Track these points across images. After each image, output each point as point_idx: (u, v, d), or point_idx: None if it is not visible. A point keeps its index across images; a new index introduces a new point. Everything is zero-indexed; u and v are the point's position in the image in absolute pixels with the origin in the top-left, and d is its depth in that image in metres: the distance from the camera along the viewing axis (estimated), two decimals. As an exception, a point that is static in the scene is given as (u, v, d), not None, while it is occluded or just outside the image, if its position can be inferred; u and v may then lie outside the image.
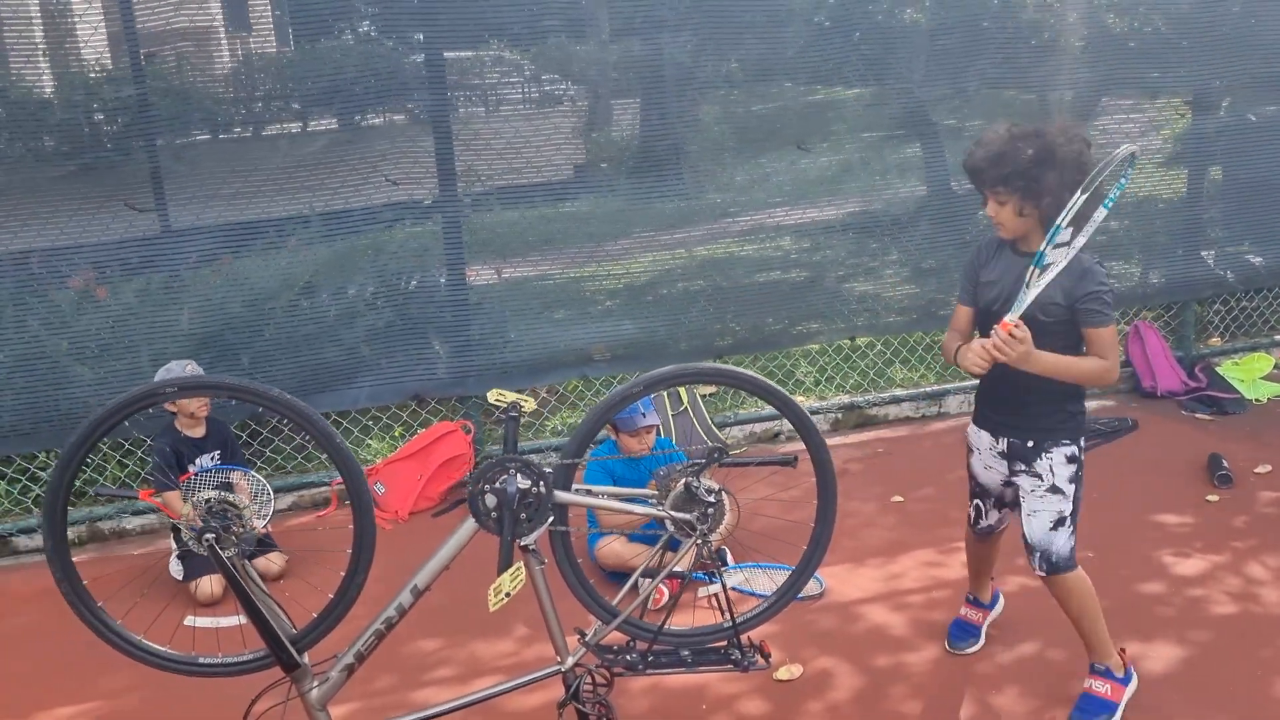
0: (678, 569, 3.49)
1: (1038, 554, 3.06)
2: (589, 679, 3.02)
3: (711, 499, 2.89)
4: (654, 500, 2.97)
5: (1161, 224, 6.25)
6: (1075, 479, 3.06)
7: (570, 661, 2.98)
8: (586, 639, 2.99)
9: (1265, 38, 6.01)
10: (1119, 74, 6.03)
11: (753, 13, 5.43)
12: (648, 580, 3.13)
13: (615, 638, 3.06)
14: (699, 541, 2.91)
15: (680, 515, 2.90)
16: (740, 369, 3.01)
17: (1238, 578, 3.89)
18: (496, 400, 2.99)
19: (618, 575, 4.03)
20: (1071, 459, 3.05)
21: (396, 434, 5.44)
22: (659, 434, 4.20)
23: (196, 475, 4.19)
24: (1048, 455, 3.03)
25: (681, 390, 5.48)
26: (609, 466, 4.15)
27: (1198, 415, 5.62)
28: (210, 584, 4.14)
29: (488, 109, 5.61)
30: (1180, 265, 6.15)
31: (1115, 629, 3.51)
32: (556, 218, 5.46)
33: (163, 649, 2.86)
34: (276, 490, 5.03)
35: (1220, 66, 5.96)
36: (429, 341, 5.12)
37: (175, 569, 4.33)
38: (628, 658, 3.01)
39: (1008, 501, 3.26)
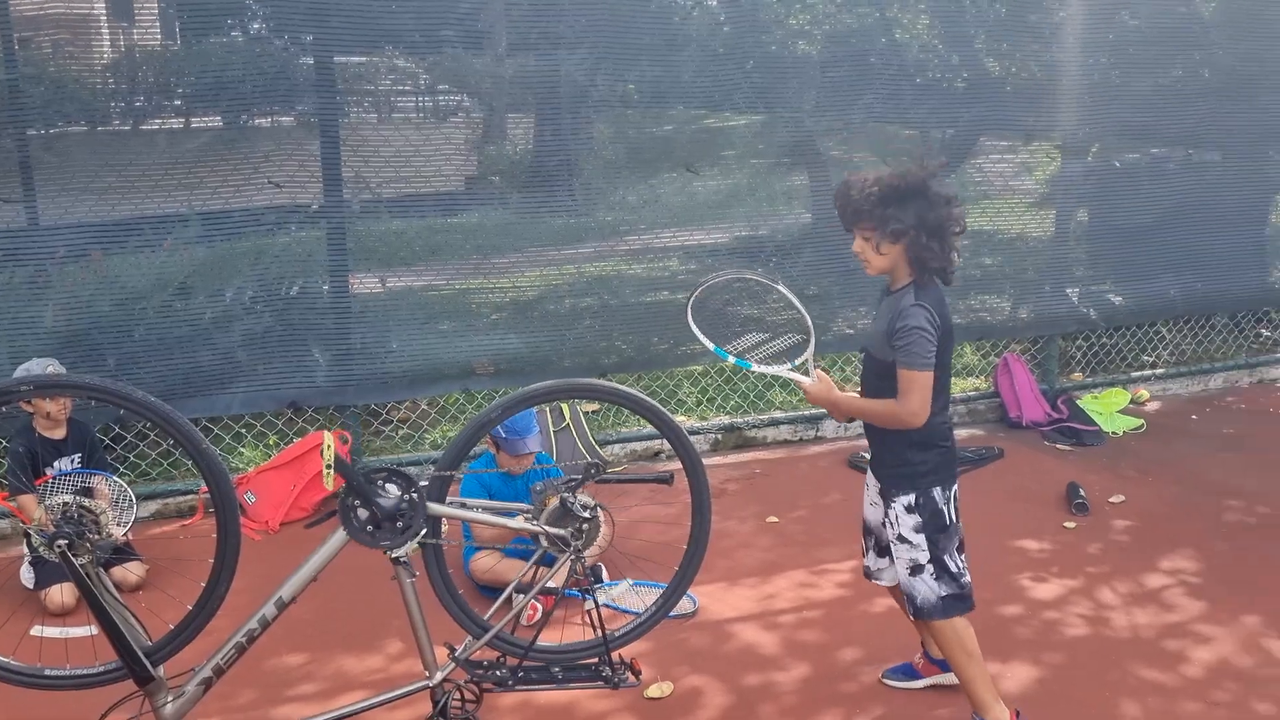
0: (551, 585, 3.49)
1: (905, 596, 3.11)
2: (457, 695, 2.99)
3: (586, 515, 2.89)
4: (529, 515, 2.96)
5: (1031, 261, 6.52)
6: (924, 528, 3.01)
7: (439, 677, 2.95)
8: (456, 654, 2.96)
9: (1130, 89, 6.33)
10: (996, 115, 6.27)
11: (649, 35, 5.49)
12: (521, 595, 3.11)
13: (486, 653, 3.04)
14: (573, 557, 2.90)
15: (555, 530, 2.89)
16: (619, 385, 3.03)
17: (1090, 602, 4.05)
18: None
19: (492, 590, 3.99)
20: (910, 509, 3.01)
21: (270, 443, 5.31)
22: (540, 447, 4.19)
23: (54, 479, 4.02)
24: (892, 506, 3.06)
25: (564, 407, 5.48)
26: (485, 480, 4.12)
27: (1059, 446, 5.85)
28: (61, 593, 3.96)
29: (380, 116, 5.54)
30: (1047, 301, 6.42)
31: (975, 650, 3.65)
32: (445, 229, 5.42)
33: (5, 660, 2.73)
34: (140, 497, 4.85)
35: (1089, 114, 6.24)
36: (308, 349, 5.01)
37: (26, 576, 4.14)
38: (497, 673, 2.99)
39: (885, 548, 3.19)
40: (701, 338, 3.07)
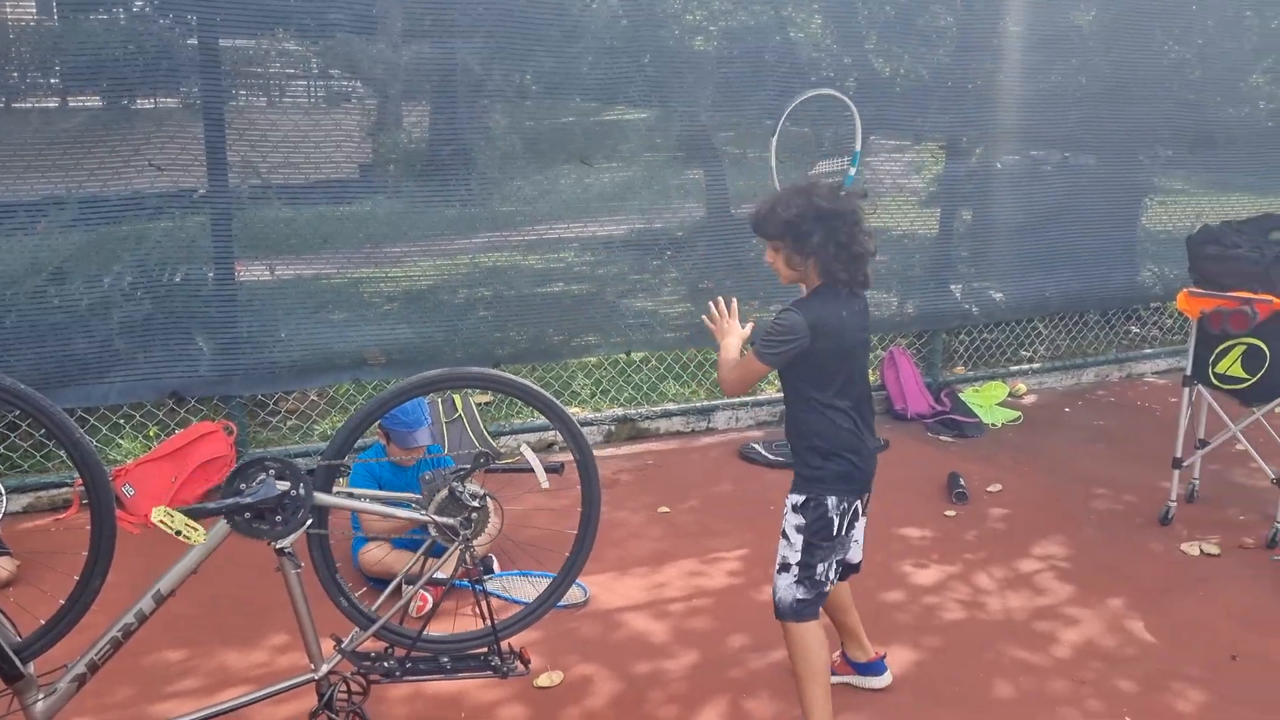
0: (440, 575, 3.48)
1: (772, 591, 3.09)
2: (344, 687, 2.96)
3: (475, 504, 2.89)
4: (418, 505, 2.94)
5: (918, 259, 6.70)
6: (803, 530, 3.00)
7: (324, 669, 2.91)
8: (343, 645, 2.93)
9: (1013, 91, 6.54)
10: (886, 114, 6.41)
11: (547, 26, 5.47)
12: (410, 586, 3.09)
13: (374, 644, 3.01)
14: (462, 546, 2.90)
15: (444, 520, 2.88)
16: (510, 375, 3.02)
17: (968, 587, 4.20)
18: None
19: (380, 581, 3.95)
20: (796, 509, 3.02)
21: (151, 434, 5.15)
22: (431, 440, 4.16)
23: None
24: (787, 500, 3.07)
25: (456, 398, 5.45)
26: (375, 471, 4.07)
27: (941, 437, 6.04)
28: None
29: (269, 101, 5.41)
30: (932, 297, 6.61)
31: (857, 634, 3.75)
32: (337, 217, 5.31)
33: None
34: (10, 490, 4.69)
35: (973, 115, 6.44)
36: (191, 337, 4.87)
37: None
38: (385, 664, 2.96)
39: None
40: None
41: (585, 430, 5.77)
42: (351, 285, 5.40)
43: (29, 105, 4.74)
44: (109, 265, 4.65)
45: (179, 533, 2.63)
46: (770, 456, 5.56)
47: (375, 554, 4.02)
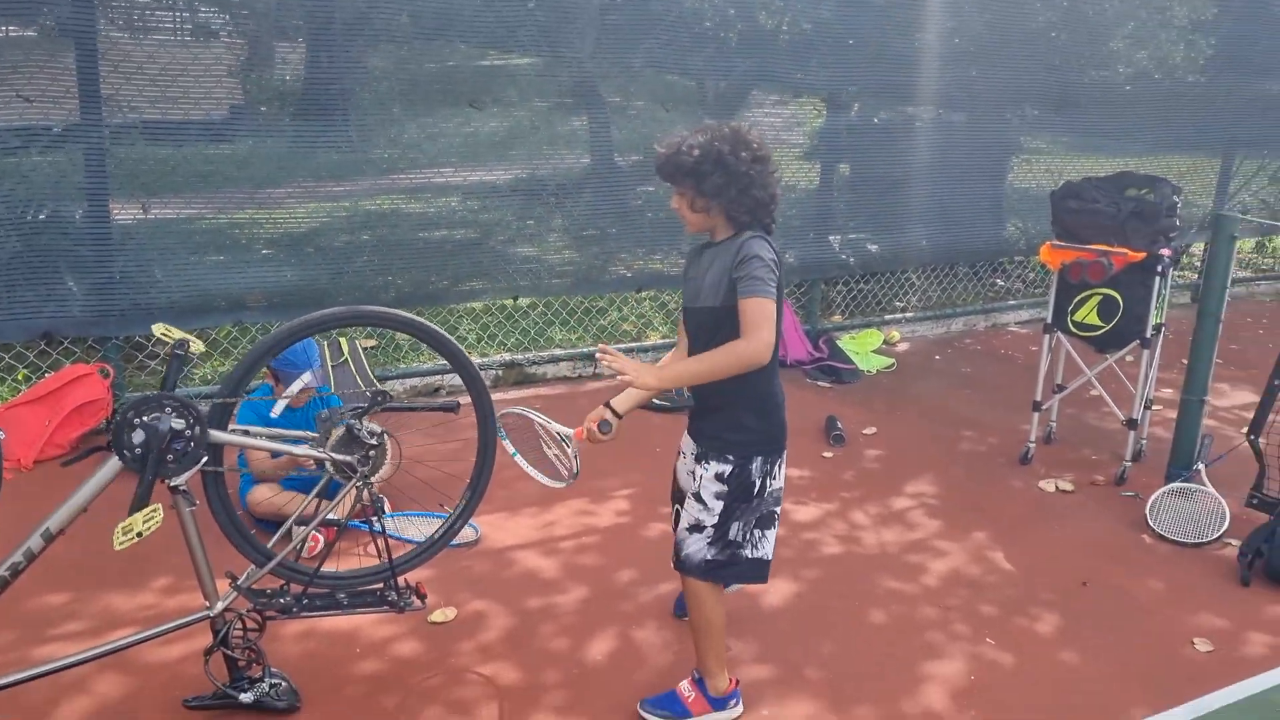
0: (334, 515, 3.50)
1: (674, 545, 3.04)
2: (239, 624, 2.96)
3: (374, 441, 2.91)
4: (314, 443, 2.95)
5: (798, 211, 6.87)
6: (724, 497, 2.90)
7: (220, 606, 2.91)
8: (238, 582, 2.93)
9: (892, 48, 6.73)
10: (769, 68, 6.53)
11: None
12: (303, 527, 3.10)
13: (268, 582, 3.02)
14: (359, 484, 2.92)
15: (341, 457, 2.90)
16: (403, 313, 3.01)
17: (844, 523, 4.40)
18: (163, 335, 2.83)
19: (269, 523, 3.94)
20: (720, 478, 2.89)
21: (20, 376, 4.98)
22: (316, 381, 4.14)
23: None
24: (704, 466, 2.93)
25: (343, 341, 5.41)
26: (262, 411, 4.03)
27: (820, 383, 6.26)
28: None
29: (141, 32, 5.20)
30: (812, 248, 6.80)
31: (741, 568, 3.91)
32: (215, 157, 5.18)
33: None
34: None
35: (853, 71, 6.61)
36: (62, 277, 4.71)
37: None
38: (281, 600, 2.98)
39: None
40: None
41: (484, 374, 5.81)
42: (231, 227, 5.28)
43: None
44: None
45: (140, 534, 2.61)
46: (656, 401, 5.67)
47: (264, 493, 4.00)
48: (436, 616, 3.54)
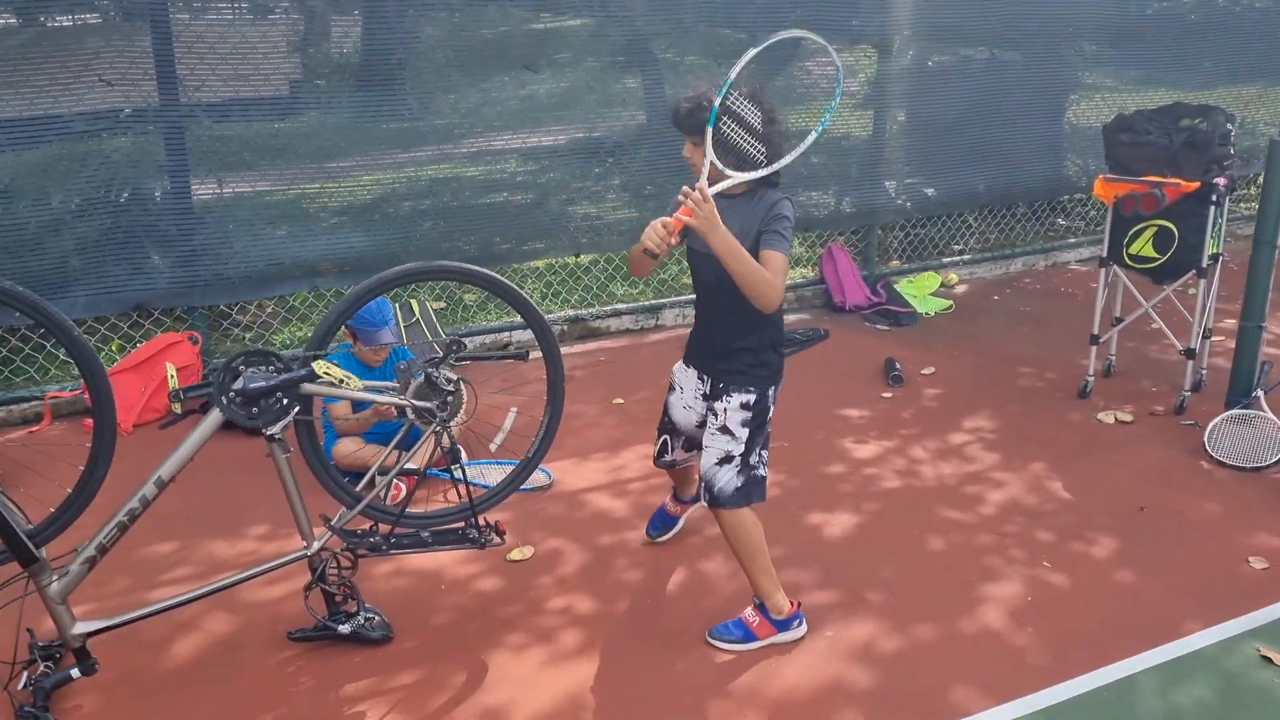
0: (414, 463, 3.72)
1: (704, 484, 3.20)
2: (334, 562, 3.19)
3: (451, 388, 3.11)
4: (395, 392, 3.15)
5: (853, 158, 6.92)
6: (749, 424, 3.13)
7: (316, 545, 3.14)
8: (332, 523, 3.16)
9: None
10: (821, 18, 6.55)
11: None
12: (385, 474, 3.31)
13: (358, 524, 3.25)
14: (439, 429, 3.12)
15: (421, 404, 3.10)
16: (477, 267, 3.21)
17: (903, 459, 4.53)
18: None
19: (353, 474, 4.17)
20: (745, 406, 3.13)
21: (114, 347, 5.28)
22: (395, 339, 4.35)
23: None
24: (727, 398, 3.14)
25: (414, 302, 5.63)
26: (343, 366, 4.25)
27: (878, 326, 6.36)
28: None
29: (208, 13, 5.43)
30: (868, 194, 6.86)
31: (804, 504, 4.09)
32: (283, 132, 5.39)
33: (-118, 549, 2.78)
34: (-18, 405, 4.81)
35: (904, 16, 6.62)
36: (150, 252, 4.97)
37: None
38: (371, 540, 3.20)
39: (698, 444, 3.33)
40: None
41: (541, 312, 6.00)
42: (302, 198, 5.50)
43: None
44: (65, 182, 4.72)
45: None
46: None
47: (348, 447, 4.24)
48: (514, 554, 3.75)
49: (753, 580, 3.25)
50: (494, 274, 3.22)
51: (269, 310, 5.77)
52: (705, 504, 3.24)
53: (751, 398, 3.15)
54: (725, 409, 3.16)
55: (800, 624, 3.28)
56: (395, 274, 3.06)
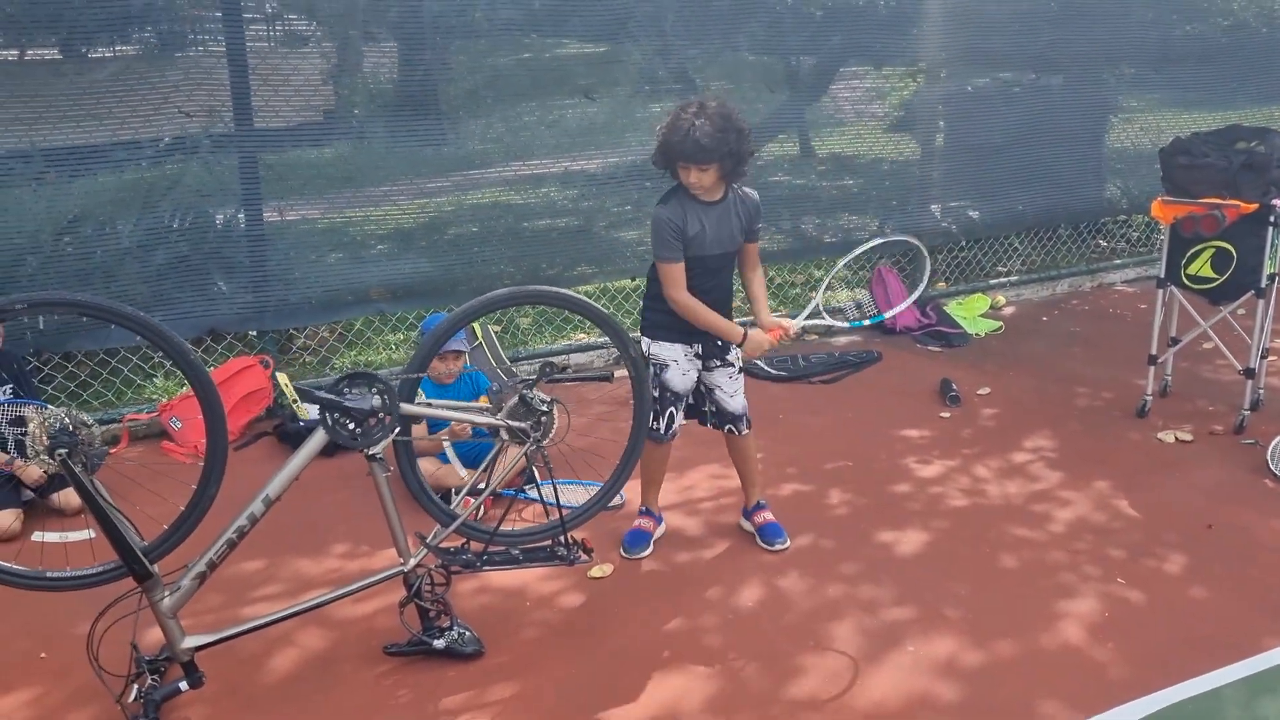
0: (500, 481, 3.80)
1: (743, 419, 3.94)
2: (429, 579, 3.28)
3: (544, 409, 3.20)
4: (488, 412, 3.25)
5: (893, 183, 7.01)
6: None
7: (412, 562, 3.23)
8: (428, 540, 3.24)
9: (984, 16, 6.81)
10: (862, 42, 6.65)
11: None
12: (472, 498, 3.40)
13: (450, 540, 3.33)
14: (533, 449, 3.21)
15: (516, 424, 3.19)
16: (569, 292, 3.33)
17: (968, 477, 4.59)
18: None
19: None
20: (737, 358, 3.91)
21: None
22: (465, 348, 4.45)
23: (-12, 408, 4.08)
24: (729, 353, 3.85)
25: (476, 326, 5.72)
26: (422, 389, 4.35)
27: (929, 348, 6.42)
28: (5, 519, 4.04)
29: (269, 44, 5.56)
30: (913, 218, 6.94)
31: (874, 522, 4.17)
32: (343, 159, 5.52)
33: (7, 564, 2.89)
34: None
35: (946, 41, 6.71)
36: (224, 277, 5.11)
37: (-36, 504, 4.20)
38: (465, 557, 3.28)
39: (692, 402, 3.93)
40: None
41: (595, 354, 6.10)
42: (366, 222, 5.62)
43: (59, 57, 4.89)
44: (144, 211, 4.87)
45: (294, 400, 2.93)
46: (772, 371, 5.91)
47: (426, 468, 4.31)
48: (595, 572, 3.82)
49: (758, 484, 4.08)
50: (589, 301, 3.33)
51: (336, 333, 5.89)
52: (744, 433, 3.96)
53: (736, 350, 3.87)
54: (734, 358, 3.87)
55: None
56: (490, 299, 3.17)
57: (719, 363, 3.86)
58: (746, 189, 3.74)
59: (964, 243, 7.36)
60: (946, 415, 5.30)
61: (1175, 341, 5.31)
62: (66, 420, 2.79)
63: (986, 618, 3.50)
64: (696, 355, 3.83)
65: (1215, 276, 4.86)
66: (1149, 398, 5.22)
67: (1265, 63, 7.88)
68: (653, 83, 6.23)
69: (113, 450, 4.94)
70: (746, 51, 6.60)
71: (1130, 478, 4.54)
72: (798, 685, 3.17)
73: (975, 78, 7.31)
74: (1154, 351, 5.20)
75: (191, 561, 3.00)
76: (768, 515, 4.05)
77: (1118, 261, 8.00)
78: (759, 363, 5.97)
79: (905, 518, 4.23)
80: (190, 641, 3.02)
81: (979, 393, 5.60)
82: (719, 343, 3.80)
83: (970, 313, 6.83)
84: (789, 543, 3.96)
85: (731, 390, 3.90)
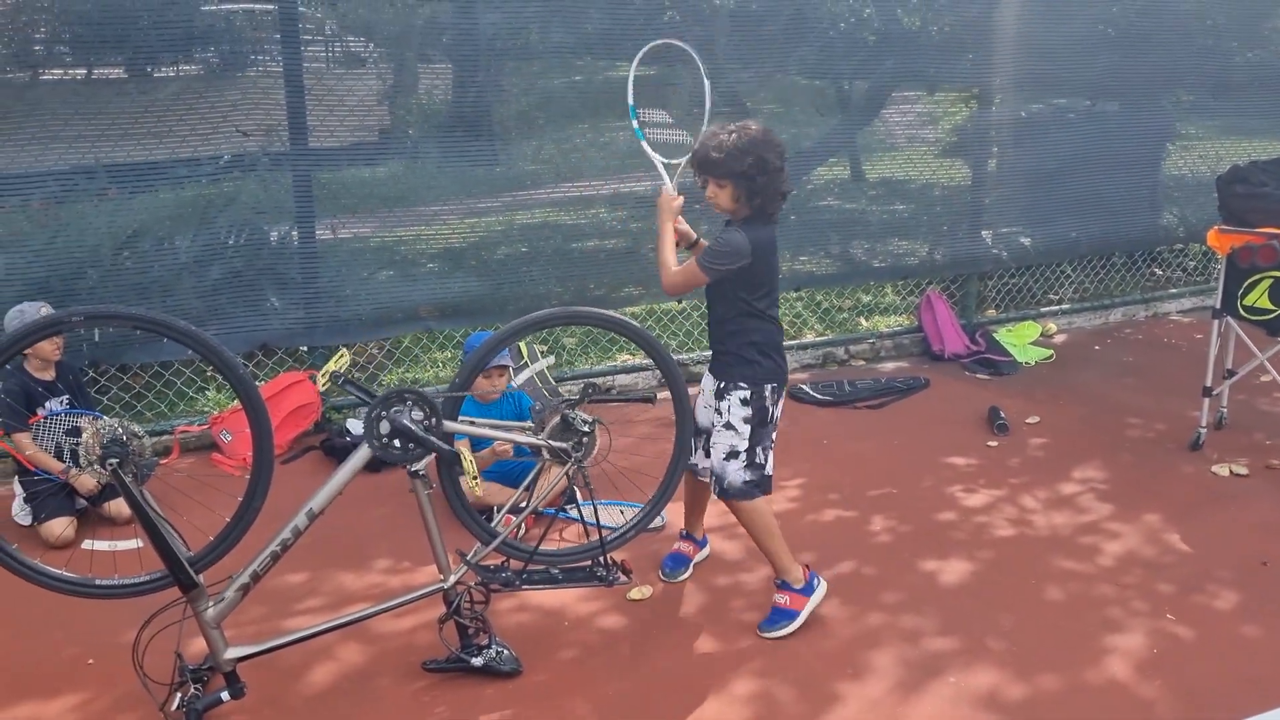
0: (542, 500, 3.82)
1: (714, 478, 3.56)
2: (468, 596, 3.29)
3: (586, 429, 3.21)
4: (531, 431, 3.27)
5: (944, 208, 6.95)
6: (750, 421, 3.48)
7: (452, 579, 3.24)
8: (468, 558, 3.26)
9: (1039, 42, 6.75)
10: (915, 66, 6.62)
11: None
12: (513, 516, 3.42)
13: (490, 559, 3.35)
14: (574, 468, 3.22)
15: (558, 444, 3.21)
16: (612, 313, 3.34)
17: (1014, 507, 4.52)
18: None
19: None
20: (744, 402, 3.48)
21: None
22: (509, 362, 4.48)
23: (45, 418, 4.18)
24: (728, 397, 3.51)
25: (522, 346, 5.76)
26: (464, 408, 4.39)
27: (978, 375, 6.35)
28: (60, 526, 4.13)
29: (346, 67, 5.66)
30: (964, 244, 6.88)
31: (917, 551, 4.11)
32: (394, 178, 5.60)
33: (59, 571, 2.95)
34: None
35: (1001, 66, 6.66)
36: (276, 292, 5.19)
37: (20, 513, 4.30)
38: (504, 575, 3.30)
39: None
40: (631, 89, 3.80)
41: (639, 376, 6.11)
42: (417, 240, 5.67)
43: (116, 74, 5.01)
44: (204, 226, 4.96)
45: (328, 374, 2.98)
46: (818, 396, 5.88)
47: (464, 484, 4.35)
48: (634, 594, 3.82)
49: (773, 560, 3.60)
50: (633, 322, 3.34)
51: (385, 349, 5.95)
52: (715, 495, 3.61)
53: (747, 393, 3.49)
54: (728, 406, 3.51)
55: (819, 582, 3.66)
56: (536, 319, 3.19)
57: (715, 404, 3.58)
58: (736, 234, 3.39)
59: (1015, 269, 7.28)
60: (994, 444, 5.24)
61: (1231, 374, 5.21)
62: (119, 431, 2.85)
63: (1031, 650, 3.44)
64: (715, 394, 3.60)
65: (1273, 308, 4.76)
66: (1203, 430, 5.12)
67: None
68: (703, 106, 6.22)
69: (163, 461, 5.03)
70: (798, 75, 6.61)
71: (1182, 511, 4.45)
72: (835, 713, 3.14)
73: (1030, 103, 7.25)
74: (1209, 383, 5.11)
75: (235, 573, 3.04)
76: (776, 597, 3.62)
77: (1173, 291, 7.87)
78: (805, 388, 5.95)
79: (949, 547, 4.18)
80: (233, 652, 3.05)
81: (1028, 421, 5.53)
82: (720, 384, 3.55)
83: (1020, 340, 6.75)
84: (780, 632, 3.53)
85: (714, 440, 3.56)
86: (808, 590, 3.60)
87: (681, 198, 3.59)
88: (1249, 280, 4.80)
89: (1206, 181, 7.02)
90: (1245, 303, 4.84)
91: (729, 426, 3.51)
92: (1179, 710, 3.13)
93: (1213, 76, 7.41)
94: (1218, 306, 4.97)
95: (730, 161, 3.34)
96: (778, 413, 3.56)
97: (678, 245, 3.60)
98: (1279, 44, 7.83)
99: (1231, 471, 4.84)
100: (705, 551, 4.10)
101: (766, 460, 3.55)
